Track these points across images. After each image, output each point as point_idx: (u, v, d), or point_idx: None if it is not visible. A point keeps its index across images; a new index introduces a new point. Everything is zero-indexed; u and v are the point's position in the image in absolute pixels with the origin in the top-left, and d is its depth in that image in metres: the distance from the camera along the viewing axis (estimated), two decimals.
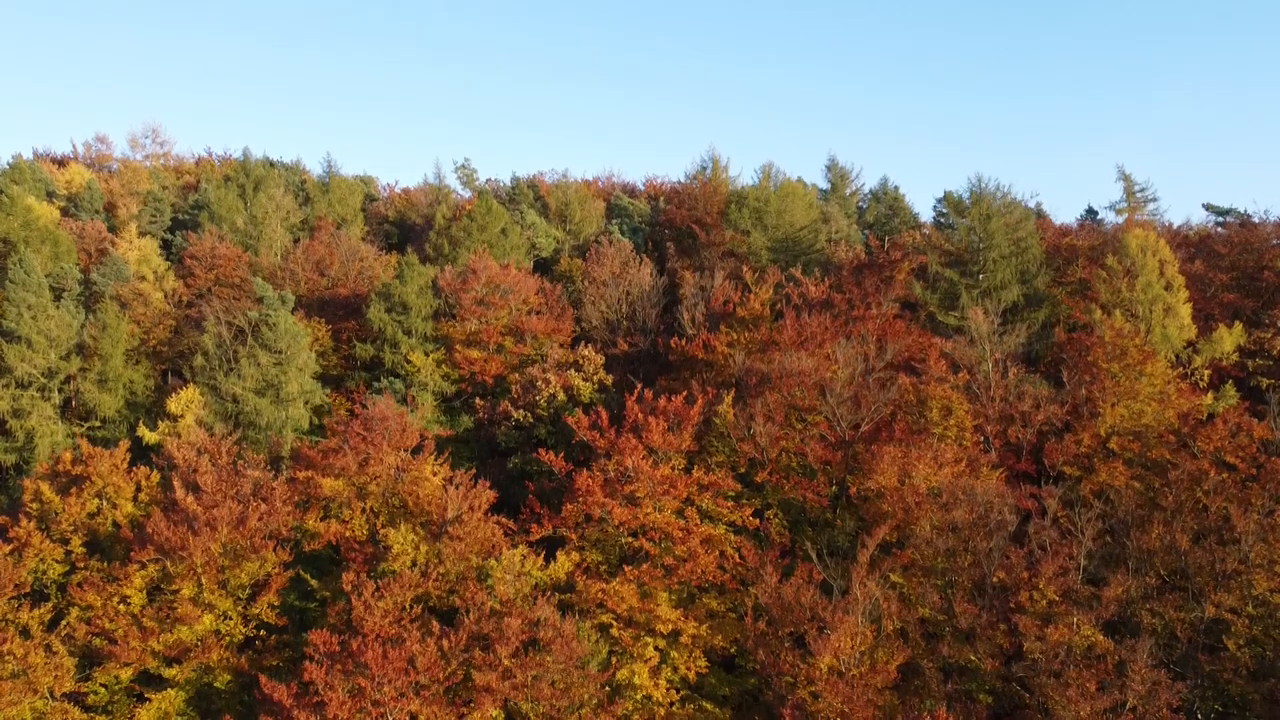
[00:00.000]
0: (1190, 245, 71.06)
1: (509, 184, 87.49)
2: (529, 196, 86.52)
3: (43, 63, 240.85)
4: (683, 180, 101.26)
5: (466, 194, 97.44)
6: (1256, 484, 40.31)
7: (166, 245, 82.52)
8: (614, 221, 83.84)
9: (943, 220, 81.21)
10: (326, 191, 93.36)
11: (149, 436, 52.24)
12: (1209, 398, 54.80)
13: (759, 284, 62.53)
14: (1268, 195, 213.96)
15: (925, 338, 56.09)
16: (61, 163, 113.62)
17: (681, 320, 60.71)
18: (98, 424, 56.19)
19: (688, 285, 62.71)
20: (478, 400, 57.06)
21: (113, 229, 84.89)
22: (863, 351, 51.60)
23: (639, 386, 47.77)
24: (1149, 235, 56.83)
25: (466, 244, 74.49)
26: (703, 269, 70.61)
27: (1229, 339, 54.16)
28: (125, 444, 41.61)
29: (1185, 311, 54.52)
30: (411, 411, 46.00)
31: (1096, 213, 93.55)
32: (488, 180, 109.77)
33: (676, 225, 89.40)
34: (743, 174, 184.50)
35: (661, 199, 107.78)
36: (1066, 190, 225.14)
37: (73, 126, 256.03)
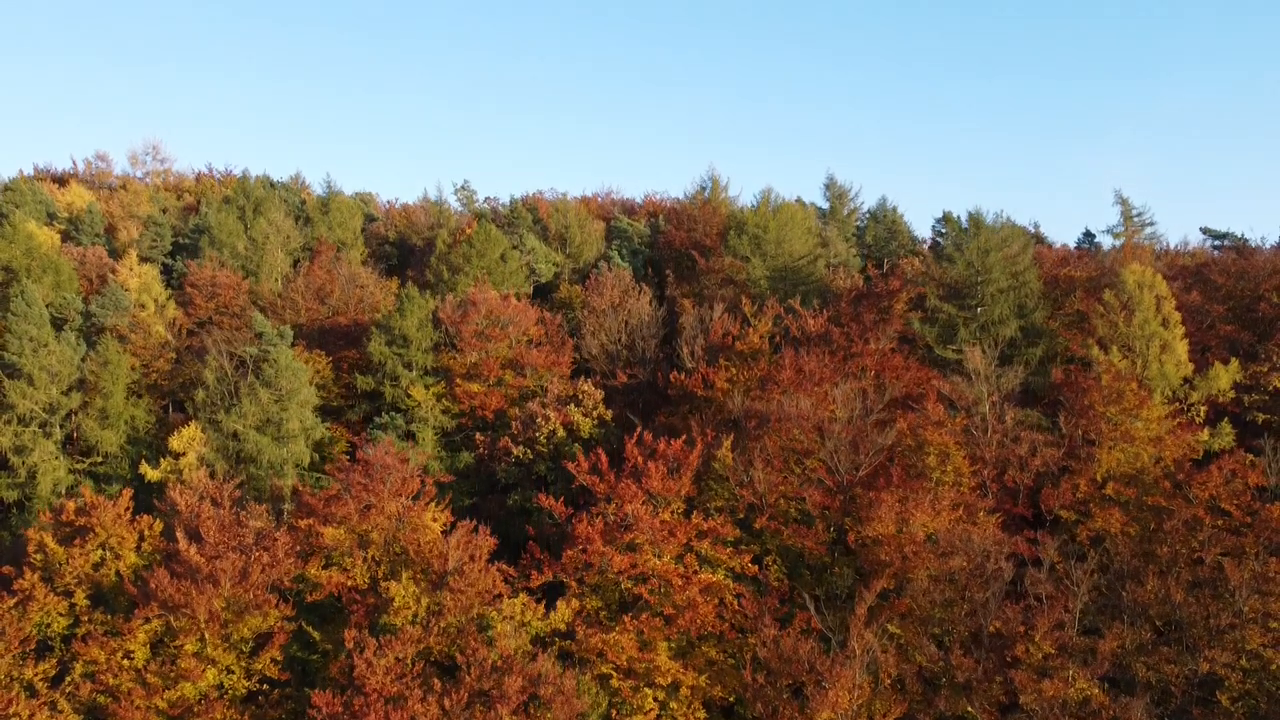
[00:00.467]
0: (1187, 274, 71.31)
1: (508, 205, 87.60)
2: (528, 219, 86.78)
3: (43, 78, 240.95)
4: (682, 198, 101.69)
5: (466, 211, 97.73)
6: (1251, 532, 40.71)
7: (167, 270, 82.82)
8: (614, 246, 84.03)
9: (941, 241, 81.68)
10: (326, 213, 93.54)
11: (151, 474, 52.56)
12: (1205, 434, 55.24)
13: (758, 316, 62.86)
14: (1267, 214, 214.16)
15: (924, 373, 56.39)
16: (62, 180, 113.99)
17: (681, 354, 60.97)
18: (99, 459, 56.49)
19: (687, 317, 62.98)
20: (478, 435, 57.39)
21: (114, 252, 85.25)
22: (860, 388, 52.02)
23: (639, 428, 48.02)
24: (1146, 271, 57.09)
25: (466, 270, 74.84)
26: (702, 298, 70.95)
27: (1225, 376, 54.47)
28: (128, 492, 41.89)
29: (1182, 348, 54.81)
30: (412, 451, 46.14)
31: (1094, 236, 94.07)
32: (486, 199, 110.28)
33: (676, 247, 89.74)
34: (742, 194, 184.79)
35: (661, 217, 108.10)
36: (1064, 210, 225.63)
37: (73, 142, 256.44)
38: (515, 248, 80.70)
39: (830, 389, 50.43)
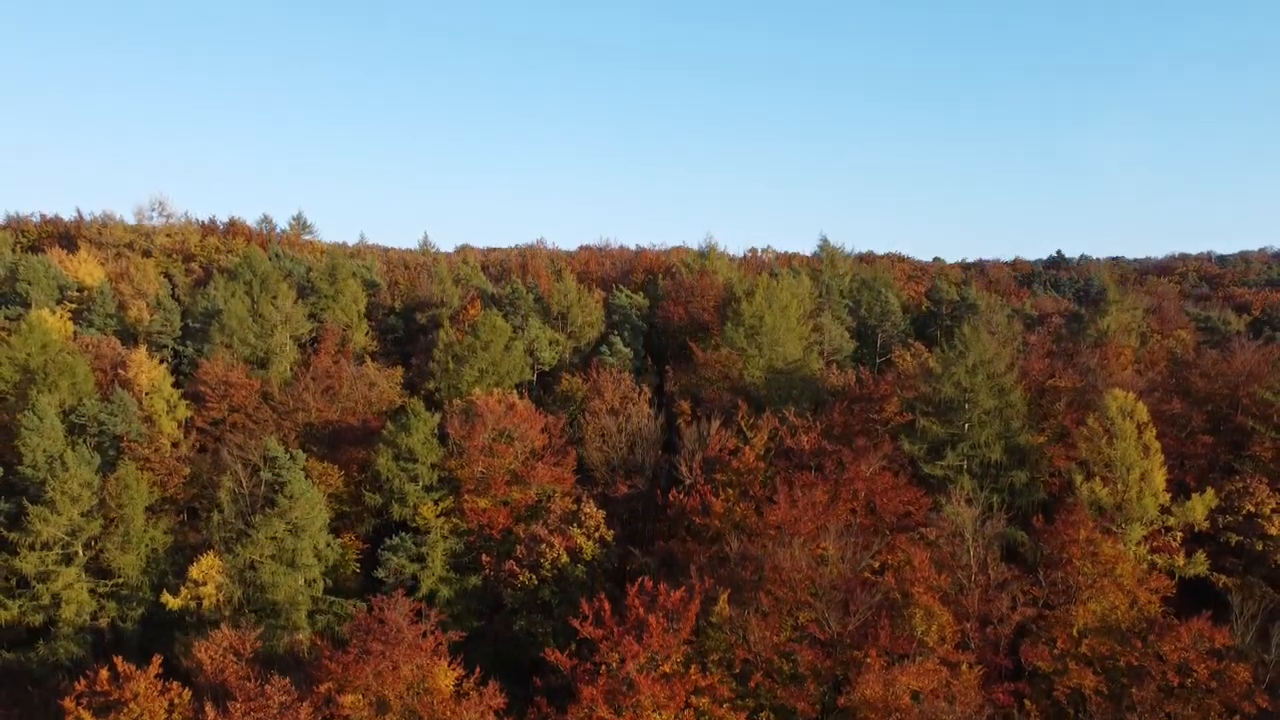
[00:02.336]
0: (1167, 386, 73.37)
1: (509, 290, 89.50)
2: (529, 299, 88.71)
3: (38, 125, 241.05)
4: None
5: (467, 283, 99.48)
6: (1214, 697, 43.21)
7: (177, 355, 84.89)
8: (614, 328, 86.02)
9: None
10: (333, 283, 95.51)
11: (172, 603, 54.96)
12: (1181, 558, 57.84)
13: (754, 429, 65.24)
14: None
15: (912, 493, 58.80)
16: (69, 238, 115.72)
17: (679, 469, 63.22)
18: (120, 581, 58.66)
19: (687, 431, 65.13)
20: (484, 556, 59.62)
21: (125, 331, 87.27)
22: (851, 521, 54.55)
23: (639, 556, 50.18)
24: (1128, 397, 59.32)
25: (471, 362, 77.03)
26: (699, 399, 73.16)
27: (1200, 507, 56.94)
28: (158, 660, 44.05)
29: (1160, 477, 57.14)
30: (424, 615, 48.05)
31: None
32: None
33: (675, 324, 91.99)
34: (734, 245, 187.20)
35: (660, 276, 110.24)
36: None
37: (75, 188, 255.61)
38: (518, 328, 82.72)
39: (823, 527, 52.74)
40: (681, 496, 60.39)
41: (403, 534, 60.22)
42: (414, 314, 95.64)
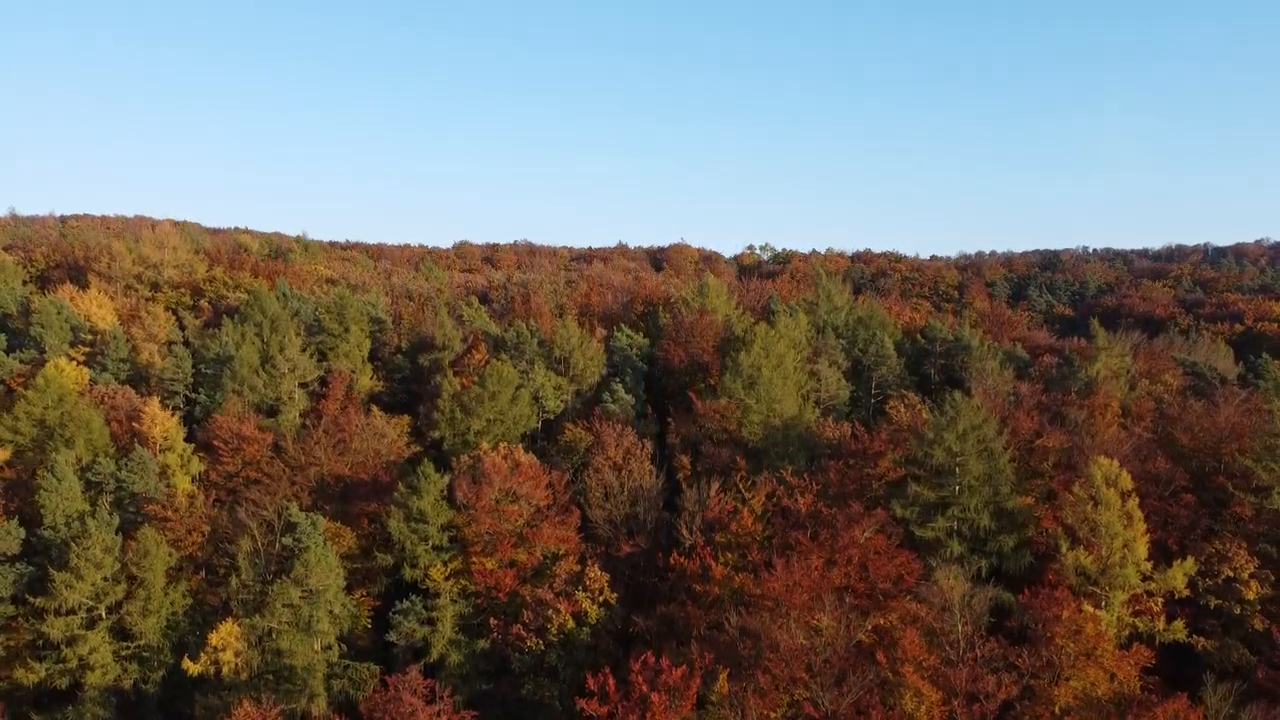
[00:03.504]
0: (1160, 420, 75.74)
1: (513, 334, 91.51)
2: (532, 343, 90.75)
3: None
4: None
5: (470, 324, 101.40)
6: None
7: (189, 402, 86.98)
8: (616, 380, 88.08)
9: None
10: (340, 322, 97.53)
11: (192, 669, 57.32)
12: (1161, 622, 60.26)
13: (751, 490, 67.55)
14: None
15: (904, 556, 61.15)
16: (76, 268, 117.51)
17: (679, 532, 65.50)
18: (142, 644, 60.94)
19: (687, 494, 67.37)
20: (492, 619, 61.91)
21: (138, 376, 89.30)
22: (846, 583, 57.01)
23: (640, 624, 52.34)
24: (1112, 465, 61.54)
25: (478, 412, 79.18)
26: (699, 453, 75.38)
27: (1180, 575, 59.26)
28: None
29: (1142, 547, 59.38)
30: (437, 696, 50.22)
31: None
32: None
33: (675, 365, 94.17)
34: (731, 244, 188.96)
35: (661, 308, 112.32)
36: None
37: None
38: (524, 373, 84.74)
39: (818, 598, 55.09)
40: (682, 560, 62.72)
41: (413, 597, 62.48)
42: (419, 353, 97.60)
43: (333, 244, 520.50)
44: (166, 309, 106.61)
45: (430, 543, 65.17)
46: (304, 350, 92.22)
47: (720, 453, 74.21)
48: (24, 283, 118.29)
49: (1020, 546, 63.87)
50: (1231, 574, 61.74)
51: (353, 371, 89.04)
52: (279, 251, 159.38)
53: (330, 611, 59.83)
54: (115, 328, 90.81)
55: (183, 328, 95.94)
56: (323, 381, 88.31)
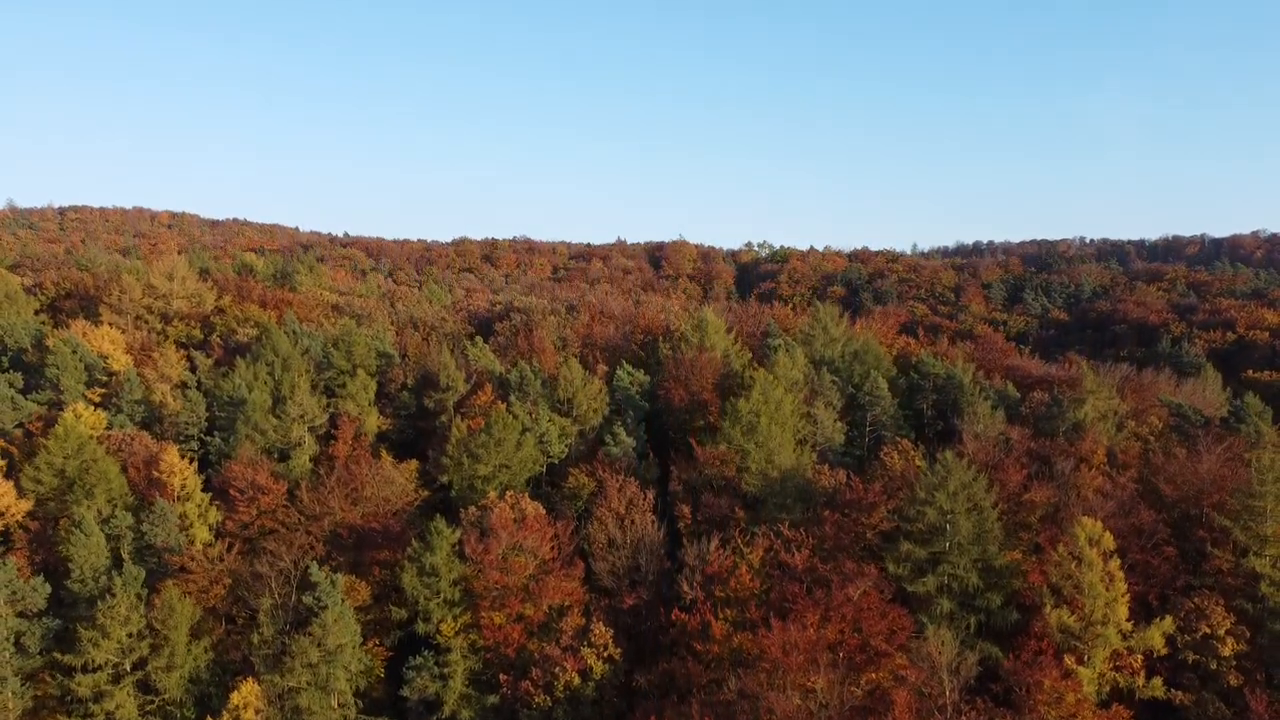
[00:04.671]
0: (1145, 470, 78.43)
1: (517, 375, 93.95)
2: (535, 384, 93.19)
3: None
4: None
5: (475, 363, 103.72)
6: None
7: (203, 445, 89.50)
8: (618, 422, 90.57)
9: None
10: (348, 359, 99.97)
11: None
12: (1141, 678, 63.16)
13: (750, 545, 70.26)
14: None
15: (896, 612, 63.96)
16: (87, 298, 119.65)
17: (680, 587, 68.20)
18: (165, 699, 63.66)
19: (688, 550, 70.04)
20: (502, 675, 64.65)
21: (152, 417, 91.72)
22: (840, 639, 59.92)
23: (645, 682, 55.01)
24: (1095, 525, 64.30)
25: (485, 459, 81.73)
26: (699, 502, 78.01)
27: (1158, 635, 62.13)
28: None
29: (1122, 609, 62.16)
30: None
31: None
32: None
33: (676, 405, 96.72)
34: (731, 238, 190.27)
35: (661, 339, 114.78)
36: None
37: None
38: (529, 425, 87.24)
39: (813, 660, 57.89)
40: (684, 615, 65.46)
41: (426, 652, 65.21)
42: (425, 389, 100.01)
43: (333, 241, 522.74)
44: (177, 344, 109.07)
45: (441, 596, 67.82)
46: (313, 388, 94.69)
47: (719, 502, 76.85)
48: (36, 312, 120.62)
49: (1006, 604, 66.56)
50: (1209, 630, 64.57)
51: (360, 414, 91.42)
52: (284, 274, 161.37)
53: (347, 668, 62.53)
54: (129, 369, 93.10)
55: (194, 368, 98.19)
56: (332, 423, 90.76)
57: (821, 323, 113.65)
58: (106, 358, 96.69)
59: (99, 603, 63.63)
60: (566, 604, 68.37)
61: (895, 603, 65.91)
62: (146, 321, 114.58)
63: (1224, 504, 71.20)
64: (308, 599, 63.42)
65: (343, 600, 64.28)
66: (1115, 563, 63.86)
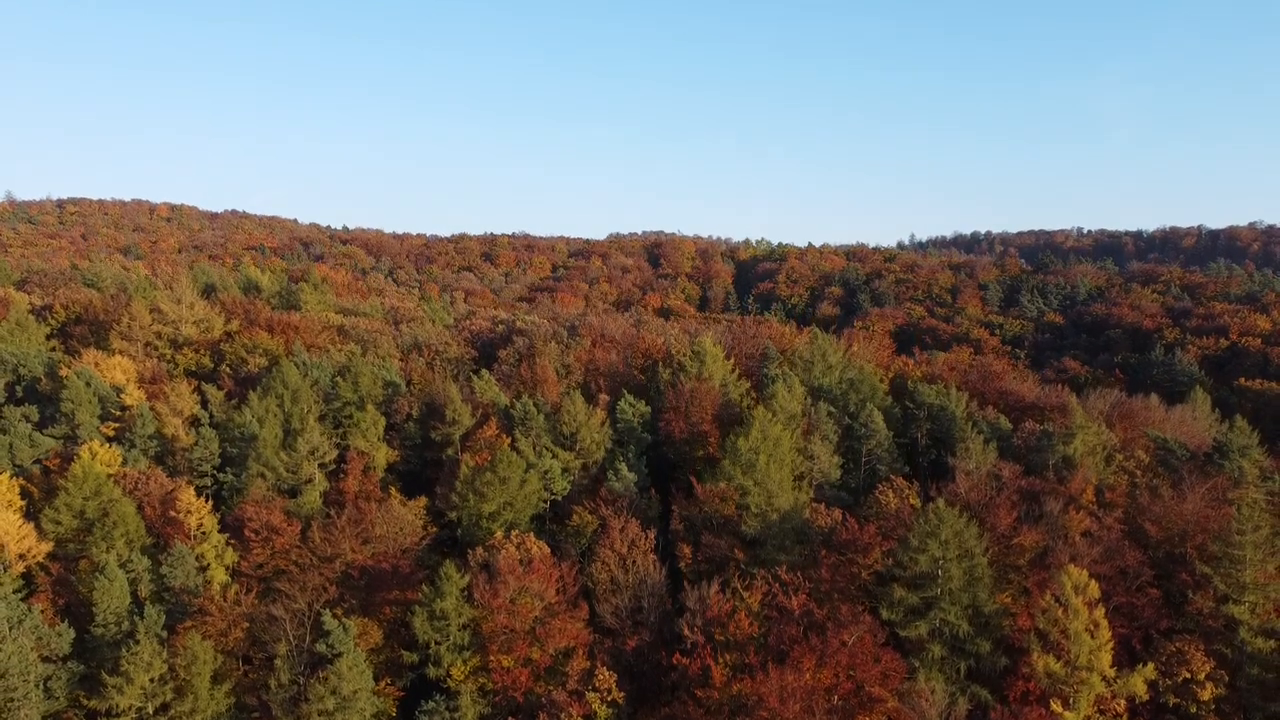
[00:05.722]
0: (1130, 511, 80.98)
1: (521, 410, 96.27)
2: (539, 420, 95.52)
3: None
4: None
5: (480, 398, 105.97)
6: None
7: (216, 481, 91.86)
8: (620, 457, 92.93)
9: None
10: (355, 390, 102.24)
11: None
12: None
13: (748, 590, 72.81)
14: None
15: (889, 657, 66.66)
16: (96, 322, 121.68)
17: (681, 630, 70.74)
18: None
19: (689, 594, 72.55)
20: (510, 719, 67.26)
21: (165, 451, 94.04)
22: (835, 683, 62.68)
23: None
24: (1081, 575, 66.80)
25: (490, 497, 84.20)
26: (699, 542, 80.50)
27: (1140, 682, 64.67)
28: None
29: (1106, 657, 64.64)
30: None
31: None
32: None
33: (677, 438, 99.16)
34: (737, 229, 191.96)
35: (660, 364, 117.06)
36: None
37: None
38: (534, 462, 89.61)
39: (809, 709, 60.55)
40: (684, 660, 68.05)
41: (438, 697, 67.75)
42: (431, 419, 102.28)
43: (332, 236, 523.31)
44: (187, 373, 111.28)
45: (451, 640, 70.35)
46: (321, 418, 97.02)
47: (719, 542, 79.35)
48: (48, 336, 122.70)
49: (995, 649, 69.16)
50: (1189, 675, 67.27)
51: (370, 450, 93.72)
52: (288, 292, 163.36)
53: (361, 713, 65.05)
54: (142, 404, 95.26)
55: (205, 402, 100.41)
56: (340, 458, 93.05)
57: (820, 349, 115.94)
58: (120, 391, 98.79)
59: (123, 649, 66.12)
60: (572, 646, 70.91)
61: (888, 646, 68.74)
62: (156, 348, 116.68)
63: (1206, 547, 73.77)
64: (321, 646, 65.90)
65: (355, 646, 66.73)
66: (1100, 610, 66.33)
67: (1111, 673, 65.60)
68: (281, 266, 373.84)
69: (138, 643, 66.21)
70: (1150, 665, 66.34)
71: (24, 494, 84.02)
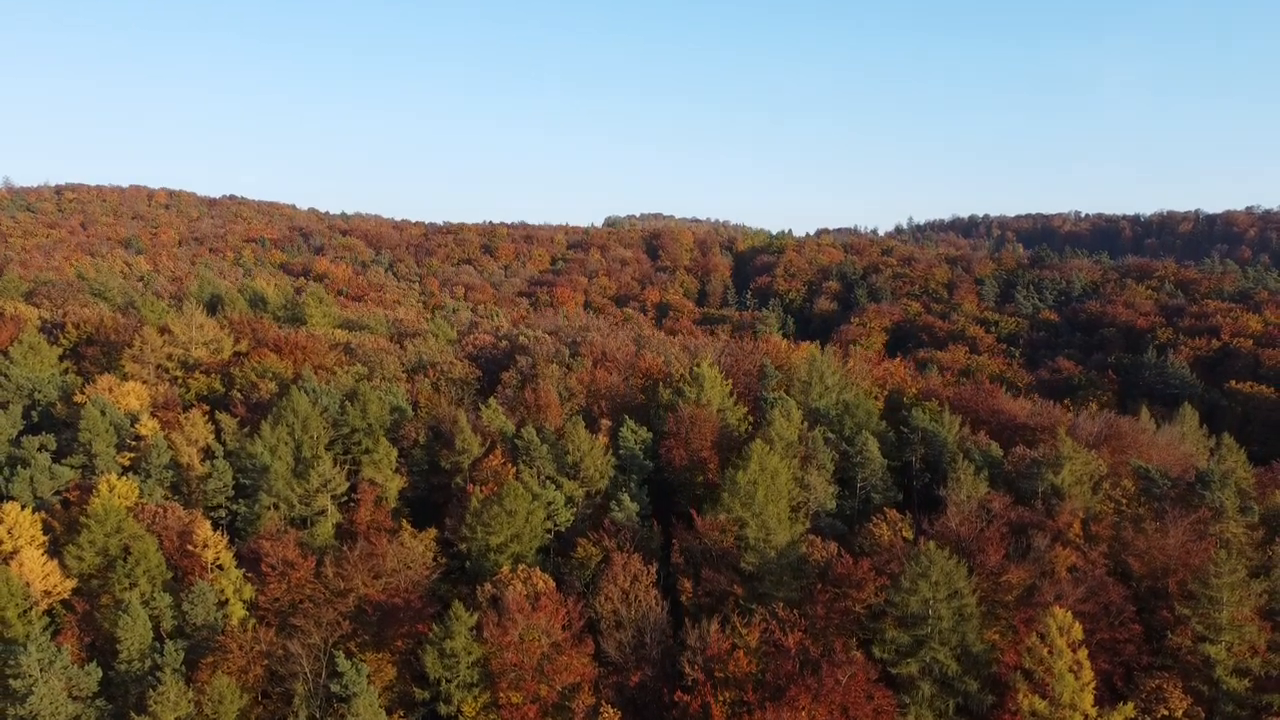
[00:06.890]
0: (1115, 546, 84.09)
1: (526, 440, 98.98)
2: (543, 450, 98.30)
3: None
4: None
5: (489, 427, 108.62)
6: None
7: (230, 512, 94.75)
8: (623, 487, 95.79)
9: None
10: (364, 418, 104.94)
11: None
12: None
13: (747, 626, 75.89)
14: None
15: (881, 694, 69.90)
16: (107, 343, 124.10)
17: (682, 666, 73.87)
18: None
19: (690, 633, 75.62)
20: None
21: (180, 481, 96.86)
22: (830, 718, 65.83)
23: None
24: (1066, 616, 69.91)
25: (497, 530, 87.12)
26: (700, 576, 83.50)
27: None
28: None
29: (1088, 699, 67.83)
30: None
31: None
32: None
33: (677, 465, 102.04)
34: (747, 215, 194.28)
35: (660, 384, 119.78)
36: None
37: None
38: (539, 494, 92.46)
39: None
40: (685, 697, 71.21)
41: None
42: (438, 446, 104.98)
43: (331, 226, 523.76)
44: (198, 397, 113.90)
45: (461, 678, 73.42)
46: (330, 444, 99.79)
47: (719, 577, 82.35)
48: (60, 358, 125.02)
49: (983, 688, 72.33)
50: (1167, 713, 70.55)
51: (384, 482, 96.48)
52: (294, 310, 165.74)
53: None
54: (157, 435, 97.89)
55: (218, 430, 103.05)
56: (351, 487, 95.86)
57: (819, 371, 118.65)
58: (135, 419, 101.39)
59: (148, 688, 69.16)
60: (578, 682, 74.01)
61: (880, 683, 71.93)
62: (168, 370, 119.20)
63: (1186, 584, 76.85)
64: (336, 687, 68.95)
65: (369, 686, 69.79)
66: (1083, 652, 69.46)
67: (1094, 712, 68.82)
68: (281, 260, 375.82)
69: (161, 681, 69.25)
70: (1130, 704, 69.53)
71: (46, 528, 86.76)
